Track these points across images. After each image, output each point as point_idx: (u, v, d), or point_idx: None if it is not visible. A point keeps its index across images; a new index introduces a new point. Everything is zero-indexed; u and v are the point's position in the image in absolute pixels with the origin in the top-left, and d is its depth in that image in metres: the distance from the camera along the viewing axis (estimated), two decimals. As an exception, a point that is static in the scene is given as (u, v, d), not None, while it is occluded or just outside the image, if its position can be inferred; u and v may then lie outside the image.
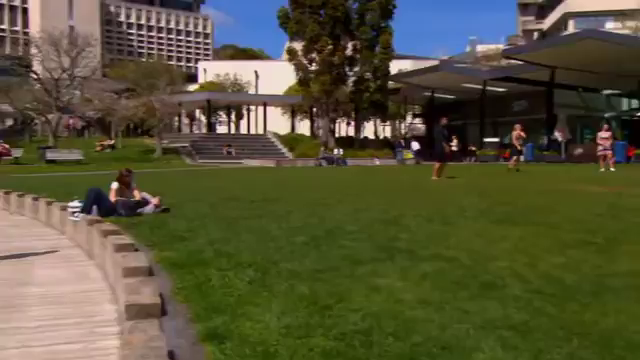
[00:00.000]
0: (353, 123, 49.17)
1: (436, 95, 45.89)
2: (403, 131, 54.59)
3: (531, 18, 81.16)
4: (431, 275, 4.67)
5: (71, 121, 52.50)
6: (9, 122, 58.04)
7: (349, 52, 41.76)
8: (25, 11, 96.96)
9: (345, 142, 44.00)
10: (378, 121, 53.48)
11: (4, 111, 49.98)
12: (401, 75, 46.35)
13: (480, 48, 75.31)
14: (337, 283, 4.43)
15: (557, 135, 33.64)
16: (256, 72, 68.20)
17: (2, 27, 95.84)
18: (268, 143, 46.77)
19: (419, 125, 55.94)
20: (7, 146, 35.12)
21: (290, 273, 4.76)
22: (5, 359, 3.69)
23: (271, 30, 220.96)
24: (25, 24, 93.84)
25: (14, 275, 6.31)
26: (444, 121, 18.09)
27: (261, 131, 53.01)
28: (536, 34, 77.91)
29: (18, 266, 6.82)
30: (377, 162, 38.10)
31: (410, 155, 38.80)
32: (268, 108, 54.56)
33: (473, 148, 39.34)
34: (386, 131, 57.94)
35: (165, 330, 3.41)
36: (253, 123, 58.34)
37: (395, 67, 45.48)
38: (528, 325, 3.48)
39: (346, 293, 4.13)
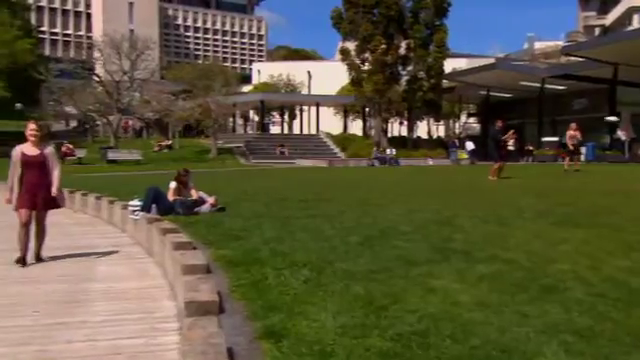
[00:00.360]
0: (406, 123, 48.75)
1: (492, 94, 44.96)
2: (457, 131, 53.74)
3: (592, 13, 78.40)
4: (488, 277, 4.58)
5: (130, 122, 54.16)
6: (73, 124, 60.37)
7: (402, 51, 41.41)
8: (89, 16, 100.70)
9: (398, 142, 43.68)
10: (431, 120, 52.82)
11: (69, 113, 52.00)
12: (455, 74, 45.63)
13: (538, 45, 73.23)
14: (392, 284, 4.40)
15: (620, 134, 32.37)
16: (309, 72, 68.56)
17: (67, 32, 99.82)
18: (320, 143, 46.93)
19: (474, 124, 54.94)
20: (71, 147, 36.49)
21: (345, 273, 4.77)
22: (73, 352, 3.84)
23: (324, 30, 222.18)
24: (88, 29, 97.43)
25: (78, 271, 6.56)
26: (499, 124, 17.77)
27: (313, 131, 53.24)
28: (598, 30, 75.20)
29: (82, 263, 7.09)
30: (430, 162, 37.65)
31: (465, 155, 38.16)
32: (321, 108, 54.76)
33: (530, 148, 38.33)
34: (439, 131, 57.18)
35: (223, 327, 3.47)
36: (306, 123, 58.67)
37: (449, 66, 44.81)
38: (593, 330, 3.37)
39: (401, 294, 4.11)
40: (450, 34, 42.67)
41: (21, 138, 7.05)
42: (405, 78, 42.42)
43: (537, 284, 4.36)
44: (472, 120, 55.72)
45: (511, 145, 26.66)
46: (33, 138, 6.93)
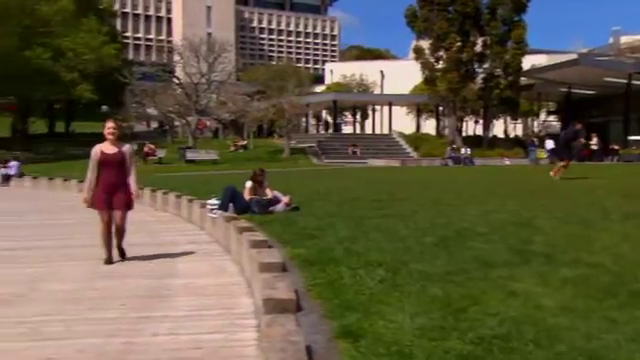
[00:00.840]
0: (481, 121, 47.57)
1: (573, 91, 43.10)
2: (536, 129, 51.90)
3: (685, 3, 73.55)
4: (573, 281, 4.39)
5: (208, 123, 55.76)
6: (154, 125, 62.85)
7: (478, 48, 40.45)
8: (169, 21, 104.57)
9: (473, 141, 42.69)
10: (508, 119, 51.26)
11: (150, 114, 54.16)
12: (534, 70, 44.06)
13: (625, 39, 69.50)
14: (470, 286, 4.31)
15: None
16: (381, 72, 68.20)
17: (149, 37, 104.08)
18: (393, 143, 46.58)
19: (554, 123, 52.86)
20: (153, 147, 37.98)
21: (421, 274, 4.71)
22: (157, 344, 3.99)
23: (397, 30, 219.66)
24: (169, 33, 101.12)
25: (161, 267, 6.81)
26: (578, 126, 17.10)
27: (386, 131, 52.91)
28: (690, 21, 70.46)
29: (164, 259, 7.35)
30: (507, 162, 36.54)
31: (544, 155, 36.76)
32: (393, 108, 54.35)
33: (616, 147, 36.46)
34: (517, 129, 55.40)
35: (301, 325, 3.51)
36: (378, 123, 58.40)
37: (528, 62, 43.35)
38: (689, 340, 3.16)
39: (480, 296, 4.01)
40: (529, 30, 41.31)
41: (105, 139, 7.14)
42: (481, 76, 41.43)
43: (626, 289, 4.15)
44: (552, 118, 53.63)
45: (594, 144, 25.44)
46: (111, 136, 6.89)
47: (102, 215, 6.84)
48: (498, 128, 52.04)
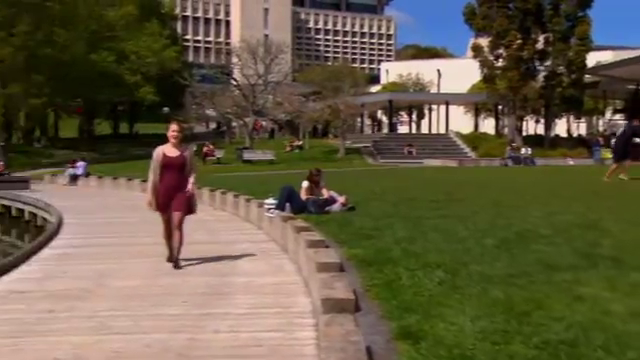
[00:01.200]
0: (543, 121, 46.20)
1: (642, 88, 41.27)
2: (601, 128, 50.00)
3: None
4: (643, 287, 4.21)
5: (264, 123, 56.49)
6: (212, 125, 64.19)
7: (540, 45, 39.28)
8: (228, 24, 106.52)
9: (533, 141, 41.50)
10: (571, 118, 49.58)
11: (209, 116, 55.36)
12: (600, 67, 42.41)
13: (697, 32, 66.04)
14: (534, 289, 4.19)
15: None
16: (438, 71, 67.23)
17: (209, 39, 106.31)
18: (450, 142, 45.84)
19: (620, 121, 50.77)
20: (212, 147, 38.78)
21: (481, 276, 4.62)
22: (219, 341, 4.08)
23: (454, 28, 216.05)
24: (227, 35, 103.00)
25: (221, 266, 6.95)
26: (636, 122, 16.35)
27: (442, 130, 52.13)
28: None
29: (223, 257, 7.49)
30: (570, 162, 35.35)
31: (609, 155, 35.36)
32: (450, 107, 53.47)
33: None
34: (580, 129, 53.51)
35: (360, 325, 3.50)
36: (434, 122, 57.61)
37: (592, 59, 41.79)
38: None
39: (545, 300, 3.90)
40: (593, 25, 39.82)
41: (167, 140, 6.88)
42: (542, 74, 40.22)
43: (703, 297, 3.94)
44: (618, 117, 51.50)
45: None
46: (174, 140, 6.80)
47: (163, 217, 6.84)
48: (560, 127, 50.42)
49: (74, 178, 25.82)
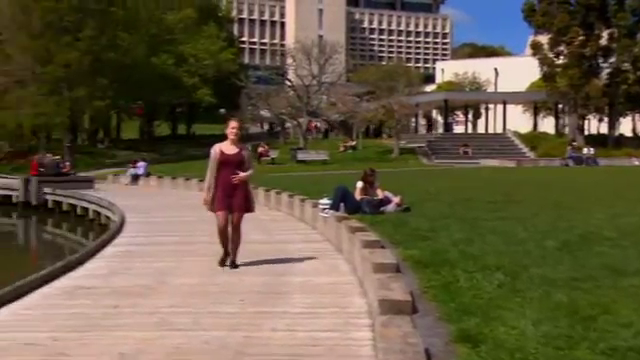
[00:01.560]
0: (606, 119, 44.51)
1: None
2: (669, 127, 47.73)
3: None
4: None
5: (318, 124, 56.72)
6: (267, 126, 64.94)
7: (604, 42, 37.89)
8: (283, 25, 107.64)
9: (596, 140, 40.04)
10: (637, 117, 47.55)
11: (263, 116, 56.05)
12: (668, 63, 40.52)
13: None
14: (599, 294, 4.05)
15: None
16: (495, 69, 65.77)
17: (264, 40, 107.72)
18: (507, 142, 44.75)
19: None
20: (267, 147, 39.24)
21: (542, 279, 4.50)
22: (276, 340, 4.12)
23: (512, 25, 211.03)
24: (282, 37, 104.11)
25: (276, 265, 7.01)
26: None
27: (499, 130, 50.97)
28: None
29: (279, 257, 7.56)
30: (636, 162, 33.94)
31: (678, 154, 33.77)
32: (508, 106, 52.23)
33: None
34: (647, 127, 51.22)
35: (417, 327, 3.47)
36: (491, 122, 56.40)
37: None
38: None
39: (611, 305, 3.76)
40: (663, 19, 38.10)
41: (223, 141, 6.78)
42: (606, 71, 38.78)
43: None
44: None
45: None
46: (233, 136, 6.66)
47: (219, 219, 6.58)
48: (625, 126, 48.44)
49: (135, 178, 26.61)
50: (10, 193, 23.36)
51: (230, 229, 6.64)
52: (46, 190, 21.77)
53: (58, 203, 20.95)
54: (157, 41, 42.49)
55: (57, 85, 34.95)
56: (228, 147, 6.69)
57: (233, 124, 6.76)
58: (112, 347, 3.96)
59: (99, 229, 15.56)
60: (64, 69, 33.66)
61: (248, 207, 6.79)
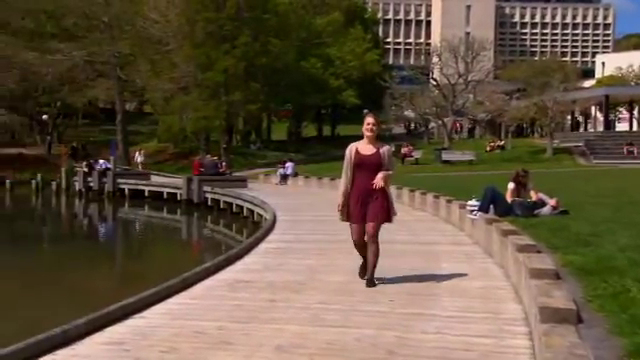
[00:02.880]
0: None
1: None
2: None
3: None
4: None
5: (465, 124, 55.20)
6: (411, 126, 64.44)
7: None
8: (428, 24, 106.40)
9: None
10: None
11: (406, 117, 55.73)
12: None
13: None
14: None
15: None
16: (666, 61, 59.51)
17: (408, 40, 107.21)
18: (682, 141, 40.30)
19: None
20: (411, 147, 39.00)
21: None
22: (427, 342, 4.07)
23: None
24: (428, 35, 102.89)
25: (424, 266, 6.93)
26: None
27: (672, 127, 46.09)
28: None
29: (426, 258, 7.48)
30: None
31: None
32: (683, 100, 47.07)
33: None
34: None
35: (583, 339, 3.24)
36: (662, 119, 51.14)
37: None
38: None
39: None
40: None
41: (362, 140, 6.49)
42: None
43: None
44: None
45: None
46: (369, 133, 5.78)
47: (353, 232, 5.84)
48: None
49: (284, 178, 27.75)
50: (175, 191, 25.47)
51: (367, 242, 5.75)
52: (206, 189, 23.46)
53: (216, 201, 22.44)
54: (306, 45, 43.99)
55: (216, 90, 37.55)
56: (364, 147, 5.82)
57: (369, 119, 5.86)
58: (270, 339, 4.15)
59: (252, 226, 16.41)
60: (222, 75, 36.04)
61: (386, 217, 5.80)
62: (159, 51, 39.21)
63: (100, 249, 17.07)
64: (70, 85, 42.52)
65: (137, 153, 38.65)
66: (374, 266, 5.79)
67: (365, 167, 5.73)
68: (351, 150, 5.82)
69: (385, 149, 5.84)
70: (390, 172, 5.80)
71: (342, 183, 5.89)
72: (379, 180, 5.65)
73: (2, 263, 13.20)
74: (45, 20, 44.11)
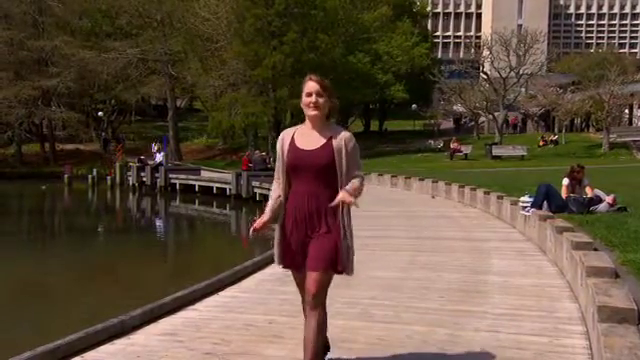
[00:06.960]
0: None
1: None
2: None
3: None
4: None
5: (518, 118, 53.92)
6: (460, 121, 63.41)
7: None
8: (478, 16, 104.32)
9: None
10: None
11: (455, 111, 54.84)
12: None
13: None
14: None
15: None
16: None
17: (458, 34, 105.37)
18: None
19: None
20: (460, 143, 38.32)
21: None
22: (479, 340, 4.01)
23: None
24: (478, 28, 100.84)
25: (475, 263, 6.83)
26: None
27: None
28: None
29: (477, 255, 7.36)
30: None
31: None
32: None
33: None
34: None
35: (644, 340, 3.13)
36: None
37: None
38: None
39: None
40: None
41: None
42: None
43: None
44: None
45: None
46: (313, 111, 3.28)
47: (293, 275, 3.61)
48: None
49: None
50: (225, 186, 25.88)
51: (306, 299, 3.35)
52: (254, 184, 23.73)
53: (264, 196, 22.69)
54: (354, 40, 43.81)
55: (264, 86, 37.87)
56: (305, 136, 3.33)
57: (311, 85, 3.38)
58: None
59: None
60: (270, 71, 36.33)
61: (336, 263, 3.35)
62: (209, 48, 39.82)
63: (153, 242, 17.51)
64: (124, 82, 43.69)
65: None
66: (315, 352, 3.20)
67: (305, 171, 3.27)
68: (283, 141, 3.37)
69: (343, 138, 3.30)
70: (358, 181, 3.33)
71: (272, 191, 3.43)
72: (345, 199, 3.19)
73: (65, 255, 13.77)
74: (101, 19, 45.49)
